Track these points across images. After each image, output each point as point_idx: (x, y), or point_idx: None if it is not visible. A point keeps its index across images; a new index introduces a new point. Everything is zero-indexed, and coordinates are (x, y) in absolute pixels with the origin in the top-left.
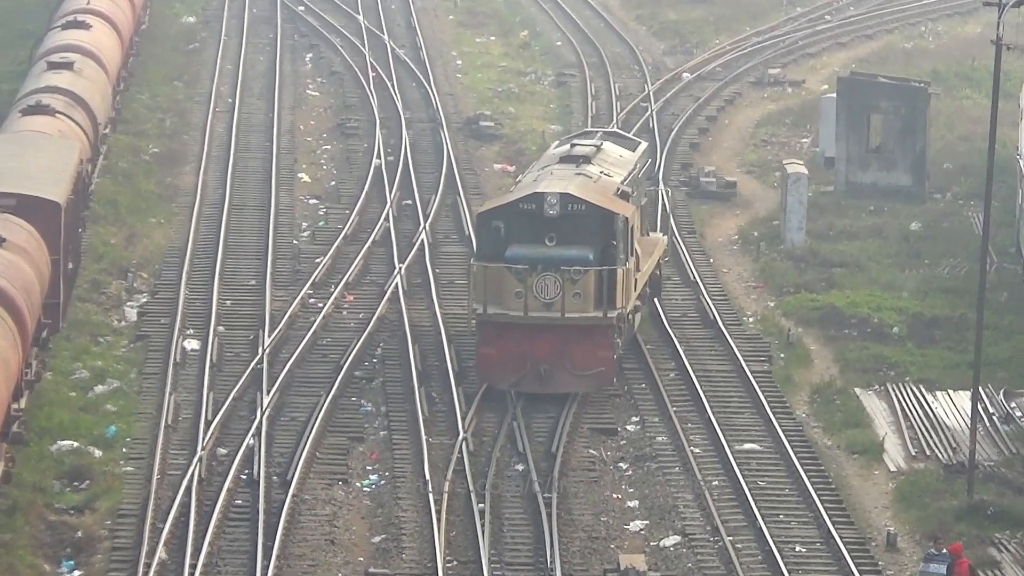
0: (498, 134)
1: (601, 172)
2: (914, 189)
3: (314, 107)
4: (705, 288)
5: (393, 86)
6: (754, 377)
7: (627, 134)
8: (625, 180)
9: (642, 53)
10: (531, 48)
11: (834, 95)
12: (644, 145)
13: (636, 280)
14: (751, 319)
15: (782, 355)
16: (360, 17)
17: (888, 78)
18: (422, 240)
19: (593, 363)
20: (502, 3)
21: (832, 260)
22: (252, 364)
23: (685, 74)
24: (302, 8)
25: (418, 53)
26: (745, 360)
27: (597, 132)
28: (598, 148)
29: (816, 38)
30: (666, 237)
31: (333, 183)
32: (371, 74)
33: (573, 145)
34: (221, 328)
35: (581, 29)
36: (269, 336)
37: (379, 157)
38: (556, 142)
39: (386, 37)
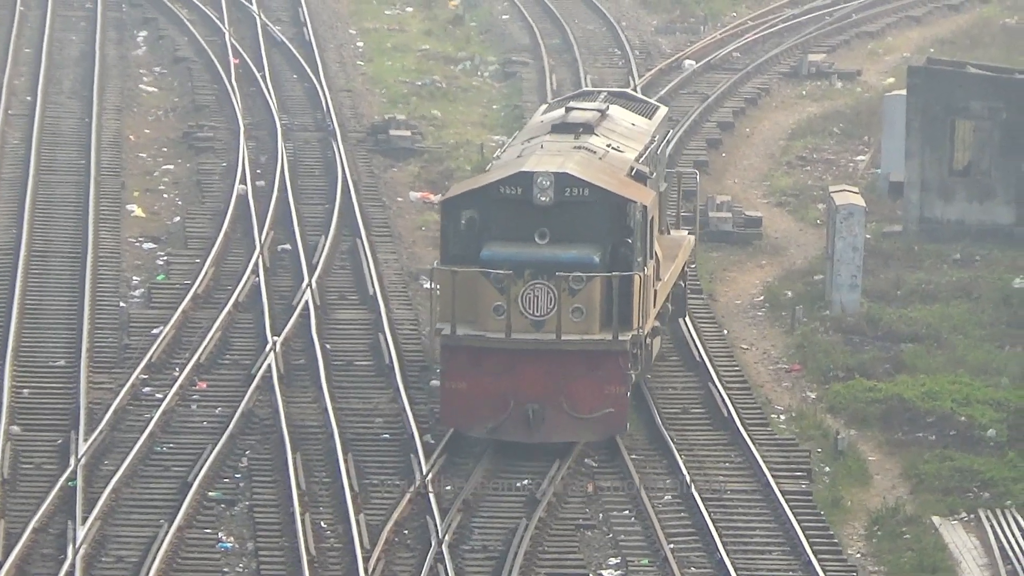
0: (417, 148)
1: (608, 145)
2: (1019, 229)
3: (150, 109)
4: (716, 372)
5: (265, 79)
6: (787, 500)
7: (641, 95)
8: (641, 156)
9: (626, 31)
10: (465, 24)
11: (903, 93)
12: (663, 110)
13: (656, 292)
14: (783, 417)
15: (827, 468)
16: None
17: (982, 67)
18: (306, 302)
19: (599, 403)
20: None
21: (900, 332)
22: (61, 480)
23: (688, 62)
24: None
25: (301, 31)
26: (774, 476)
27: (600, 92)
28: (603, 113)
29: (877, 10)
30: (693, 236)
31: (177, 219)
32: (233, 61)
33: (570, 109)
34: (15, 428)
35: None
36: (85, 440)
37: (244, 182)
38: (544, 105)
39: (255, 7)
